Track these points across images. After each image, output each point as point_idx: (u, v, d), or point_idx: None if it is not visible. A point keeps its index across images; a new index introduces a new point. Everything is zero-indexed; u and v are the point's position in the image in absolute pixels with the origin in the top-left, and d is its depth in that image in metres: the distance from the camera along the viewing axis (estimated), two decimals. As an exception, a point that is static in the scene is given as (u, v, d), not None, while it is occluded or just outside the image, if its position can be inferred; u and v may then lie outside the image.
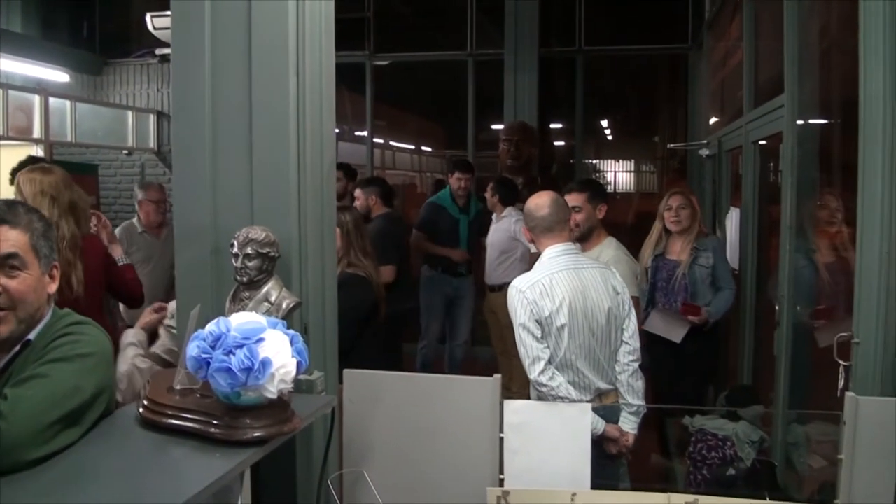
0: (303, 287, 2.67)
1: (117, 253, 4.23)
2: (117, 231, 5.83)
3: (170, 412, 2.05)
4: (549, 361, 3.22)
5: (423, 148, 11.71)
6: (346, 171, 7.11)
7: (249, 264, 2.44)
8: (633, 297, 3.68)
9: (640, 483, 4.07)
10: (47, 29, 8.86)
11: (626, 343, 3.43)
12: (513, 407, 2.81)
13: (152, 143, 9.17)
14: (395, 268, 5.86)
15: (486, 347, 7.35)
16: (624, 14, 8.87)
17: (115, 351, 2.43)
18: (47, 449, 1.82)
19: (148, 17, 7.67)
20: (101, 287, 4.09)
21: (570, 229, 3.55)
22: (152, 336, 3.05)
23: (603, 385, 3.35)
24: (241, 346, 1.86)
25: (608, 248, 4.30)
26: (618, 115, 10.55)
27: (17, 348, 2.04)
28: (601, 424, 3.27)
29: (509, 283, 3.42)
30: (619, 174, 10.74)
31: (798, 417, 4.05)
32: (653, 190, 10.31)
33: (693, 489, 3.88)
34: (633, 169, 10.82)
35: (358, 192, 6.15)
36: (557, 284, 3.26)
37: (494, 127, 8.81)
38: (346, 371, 2.82)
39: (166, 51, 8.44)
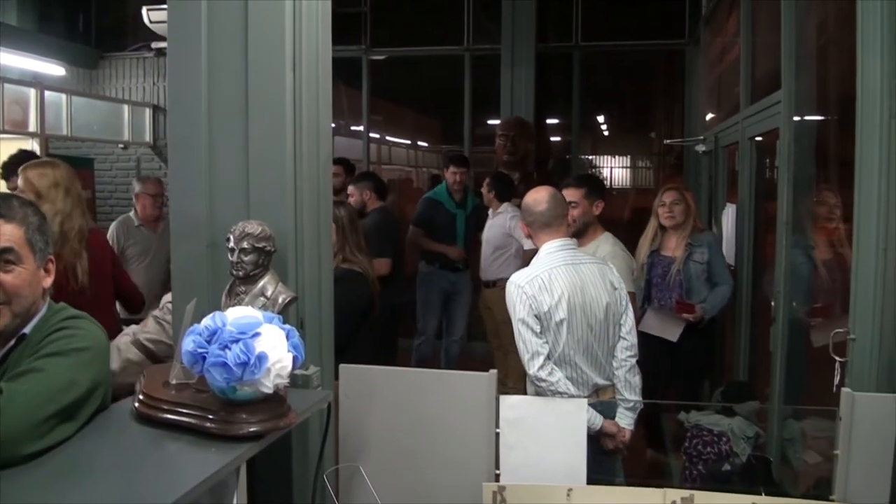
0: (299, 281, 2.67)
1: None
2: (114, 225, 5.86)
3: (165, 407, 2.04)
4: (548, 357, 3.22)
5: (420, 143, 11.69)
6: (346, 166, 7.11)
7: (245, 259, 2.43)
8: (629, 293, 3.68)
9: (636, 478, 4.08)
10: (43, 22, 8.85)
11: (624, 338, 3.43)
12: (509, 402, 2.81)
13: (148, 137, 9.17)
14: (390, 261, 5.89)
15: (481, 343, 7.36)
16: (621, 10, 8.86)
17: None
18: (43, 443, 1.81)
19: (144, 10, 7.66)
20: (108, 281, 4.12)
21: (567, 225, 3.55)
22: None
23: (600, 381, 3.35)
24: (237, 341, 1.86)
25: (605, 243, 4.30)
26: (614, 111, 10.54)
27: (12, 342, 2.03)
28: (599, 420, 3.27)
29: (504, 278, 3.42)
30: (615, 170, 10.73)
31: (794, 413, 4.06)
32: (649, 186, 10.29)
33: (688, 484, 3.89)
34: (629, 165, 10.81)
35: (351, 189, 6.14)
36: (556, 279, 3.26)
37: (491, 122, 8.81)
38: (342, 366, 2.81)
39: (162, 44, 8.43)
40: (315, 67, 2.70)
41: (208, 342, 1.88)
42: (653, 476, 4.71)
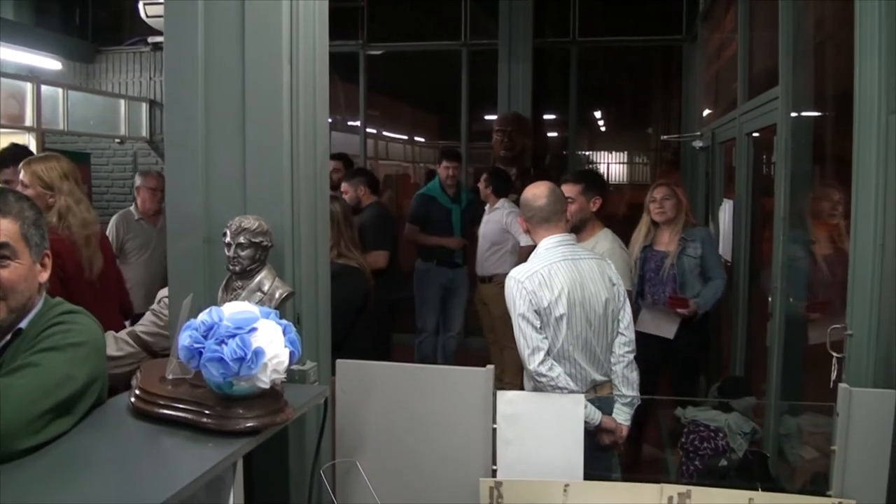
0: (296, 276, 2.67)
1: None
2: (114, 218, 5.90)
3: (162, 402, 2.04)
4: (548, 352, 3.21)
5: (417, 138, 11.68)
6: (346, 161, 7.10)
7: (242, 253, 2.43)
8: (627, 291, 3.68)
9: (633, 474, 4.09)
10: (40, 16, 8.81)
11: (622, 334, 3.43)
12: (506, 398, 2.81)
13: (145, 132, 9.16)
14: (388, 253, 5.92)
15: (477, 338, 7.35)
16: (618, 5, 8.85)
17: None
18: (39, 438, 1.81)
19: (140, 4, 7.65)
20: (112, 276, 4.15)
21: (566, 220, 3.55)
22: None
23: (598, 376, 3.35)
24: (233, 336, 1.85)
25: (603, 240, 4.30)
26: (611, 107, 10.54)
27: (8, 337, 2.03)
28: (598, 415, 3.26)
29: (500, 274, 3.42)
30: (612, 166, 10.72)
31: (790, 409, 4.06)
32: (646, 182, 10.28)
33: (685, 480, 3.89)
34: (626, 161, 10.80)
35: (345, 186, 6.12)
36: (556, 275, 3.26)
37: (488, 118, 8.79)
38: (338, 361, 2.81)
39: (159, 39, 8.43)
40: (312, 62, 2.70)
41: (205, 337, 1.88)
42: (649, 472, 4.72)
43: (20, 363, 1.89)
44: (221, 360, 1.84)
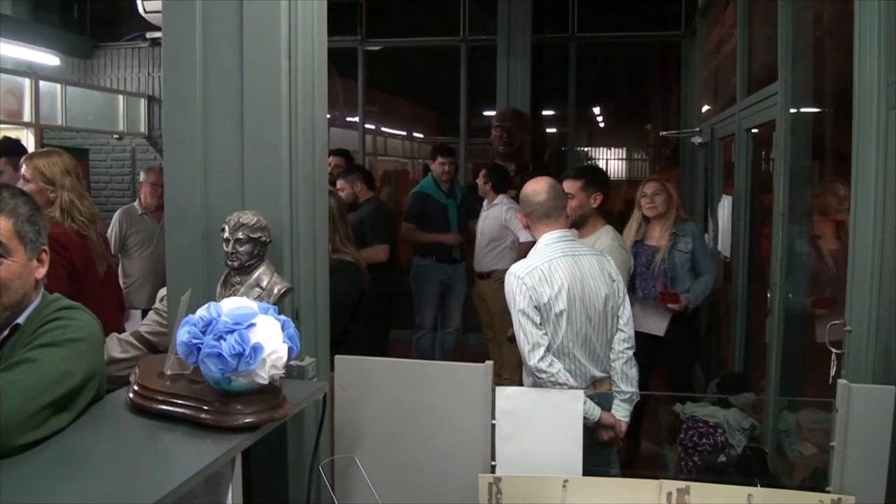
0: (294, 272, 2.66)
1: None
2: (118, 213, 5.93)
3: (160, 398, 2.04)
4: (548, 348, 3.21)
5: (416, 134, 11.67)
6: (347, 157, 7.09)
7: (240, 249, 2.42)
8: None
9: (632, 470, 4.09)
10: (38, 11, 8.80)
11: (622, 330, 3.42)
12: (505, 393, 2.81)
13: (143, 128, 9.15)
14: (388, 247, 5.97)
15: (476, 334, 7.35)
16: (617, 1, 8.84)
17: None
18: (37, 434, 1.81)
19: (139, 0, 7.62)
20: (113, 272, 4.16)
21: (566, 216, 3.54)
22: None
23: (598, 373, 3.35)
24: (231, 332, 1.85)
25: (604, 237, 4.28)
26: (610, 103, 10.54)
27: (5, 332, 2.02)
28: (597, 411, 3.26)
29: (499, 270, 3.41)
30: (610, 162, 10.71)
31: (789, 405, 4.06)
32: (644, 178, 10.29)
33: (684, 476, 3.90)
34: (625, 157, 10.79)
35: (341, 183, 6.12)
36: (556, 271, 3.25)
37: (487, 113, 8.79)
38: (337, 357, 2.81)
39: (157, 34, 8.40)
40: (310, 58, 2.69)
41: (203, 333, 1.88)
42: (648, 468, 4.72)
43: (18, 359, 1.89)
44: (220, 355, 1.83)
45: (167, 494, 1.59)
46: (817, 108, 4.32)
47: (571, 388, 3.12)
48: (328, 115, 2.88)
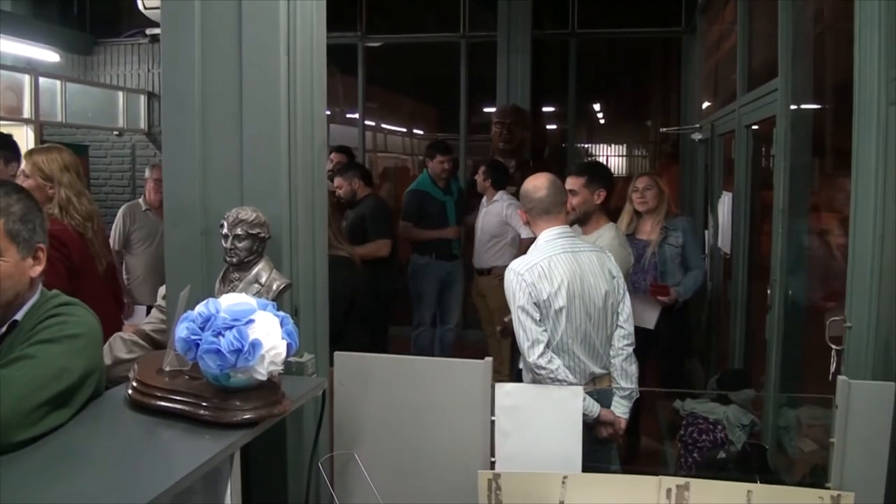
0: (293, 268, 2.66)
1: None
2: (122, 209, 5.95)
3: (159, 394, 2.04)
4: (547, 345, 3.21)
5: (416, 131, 11.66)
6: (348, 154, 7.08)
7: (239, 245, 2.42)
8: None
9: (631, 466, 4.09)
10: (37, 8, 8.77)
11: (621, 327, 3.42)
12: (504, 390, 2.80)
13: (143, 125, 9.13)
14: (391, 242, 6.01)
15: (475, 331, 7.35)
16: (617, -3, 8.84)
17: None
18: (35, 430, 1.81)
19: (138, -3, 7.62)
20: (114, 271, 4.17)
21: (566, 212, 3.53)
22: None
23: (597, 369, 3.34)
24: (230, 328, 1.85)
25: (606, 234, 4.26)
26: (610, 99, 10.51)
27: (2, 329, 2.02)
28: (596, 408, 3.26)
29: (499, 266, 3.40)
30: (611, 158, 10.69)
31: (789, 401, 4.06)
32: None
33: (684, 472, 3.89)
34: (625, 153, 10.78)
35: (339, 181, 6.11)
36: (556, 267, 3.25)
37: (487, 110, 8.77)
38: (336, 353, 2.81)
39: (157, 31, 8.37)
40: (309, 53, 2.69)
41: (202, 329, 1.88)
42: (648, 464, 4.73)
43: (16, 355, 1.89)
44: (218, 351, 1.83)
45: (165, 491, 1.59)
46: (817, 104, 4.31)
47: (571, 384, 3.11)
48: (328, 112, 2.88)
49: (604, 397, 3.34)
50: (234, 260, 2.45)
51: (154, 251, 5.95)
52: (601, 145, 10.56)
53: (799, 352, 4.12)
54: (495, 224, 6.34)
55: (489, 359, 2.79)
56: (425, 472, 2.79)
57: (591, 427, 3.23)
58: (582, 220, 4.22)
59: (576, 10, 8.67)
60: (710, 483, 2.60)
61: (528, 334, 3.19)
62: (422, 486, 2.78)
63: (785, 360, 4.09)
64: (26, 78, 7.56)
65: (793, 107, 4.05)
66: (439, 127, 10.74)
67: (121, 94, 8.96)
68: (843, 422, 2.51)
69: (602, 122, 10.85)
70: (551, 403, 2.83)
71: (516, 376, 3.52)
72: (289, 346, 1.96)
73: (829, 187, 4.21)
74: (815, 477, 3.23)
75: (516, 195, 3.87)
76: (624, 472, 3.43)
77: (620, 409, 3.36)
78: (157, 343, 3.10)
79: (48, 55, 8.57)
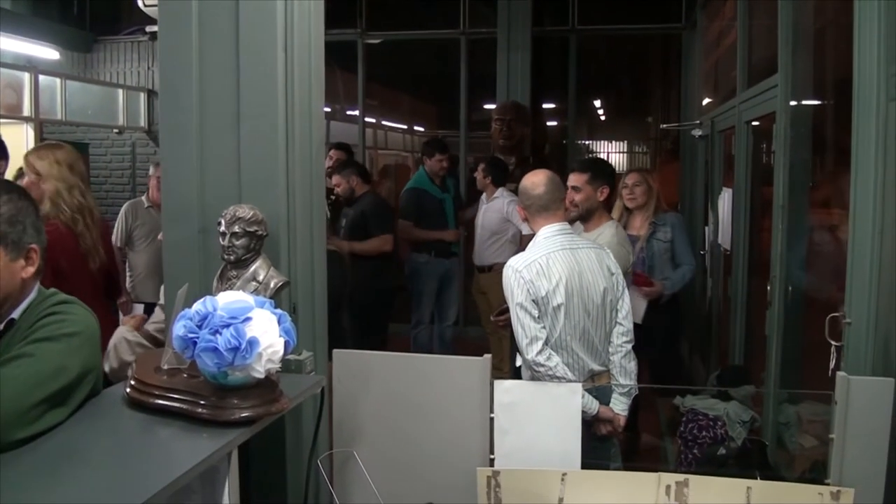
0: (291, 266, 2.66)
1: None
2: (125, 206, 5.97)
3: (157, 392, 2.04)
4: (546, 342, 3.20)
5: (416, 128, 11.66)
6: (347, 151, 7.07)
7: (237, 243, 2.42)
8: None
9: (631, 462, 4.08)
10: (37, 5, 8.77)
11: (620, 324, 3.41)
12: (503, 387, 2.81)
13: (143, 122, 9.14)
14: (392, 237, 6.03)
15: (475, 328, 7.35)
16: (617, -7, 8.84)
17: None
18: (33, 429, 1.81)
19: (138, -6, 7.61)
20: (113, 270, 4.16)
21: (565, 209, 3.53)
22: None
23: (596, 366, 3.34)
24: (227, 326, 1.85)
25: (606, 231, 4.25)
26: (611, 96, 10.52)
27: (0, 327, 2.01)
28: (595, 405, 3.25)
29: (500, 263, 3.39)
30: (611, 155, 10.70)
31: (789, 397, 4.06)
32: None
33: (684, 469, 3.89)
34: (625, 150, 10.78)
35: (337, 178, 6.11)
36: (554, 264, 3.24)
37: (487, 107, 8.76)
38: (335, 351, 2.81)
39: (156, 28, 8.38)
40: (307, 50, 2.69)
41: (199, 327, 1.88)
42: (648, 460, 4.73)
43: (14, 354, 1.88)
44: (216, 349, 1.83)
45: (163, 489, 1.59)
46: (817, 100, 4.31)
47: (569, 381, 3.11)
48: (328, 109, 2.87)
49: (603, 394, 3.34)
50: (232, 258, 2.45)
51: (156, 248, 5.93)
52: (602, 142, 10.57)
53: (799, 348, 4.12)
54: (496, 221, 6.34)
55: (488, 356, 2.79)
56: (424, 470, 2.79)
57: (590, 424, 3.22)
58: (585, 217, 4.23)
59: (576, 7, 8.66)
60: (709, 479, 2.61)
61: (527, 331, 3.19)
62: (421, 483, 2.78)
63: (785, 356, 4.09)
64: (26, 76, 7.56)
65: (793, 103, 4.04)
66: (439, 124, 10.74)
67: (121, 91, 8.96)
68: (843, 418, 2.51)
69: (602, 118, 10.85)
70: (550, 400, 2.83)
71: (515, 373, 3.52)
72: (286, 343, 1.96)
73: (836, 182, 4.20)
74: (816, 473, 3.22)
75: (516, 192, 3.86)
76: (625, 468, 3.42)
77: (619, 406, 3.36)
78: (161, 343, 3.10)
79: (48, 53, 8.58)
